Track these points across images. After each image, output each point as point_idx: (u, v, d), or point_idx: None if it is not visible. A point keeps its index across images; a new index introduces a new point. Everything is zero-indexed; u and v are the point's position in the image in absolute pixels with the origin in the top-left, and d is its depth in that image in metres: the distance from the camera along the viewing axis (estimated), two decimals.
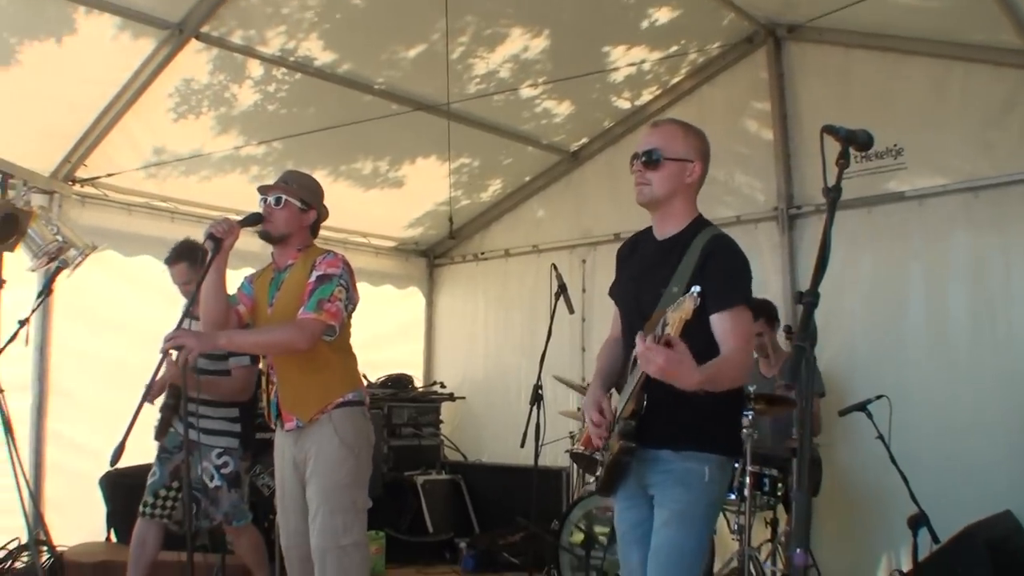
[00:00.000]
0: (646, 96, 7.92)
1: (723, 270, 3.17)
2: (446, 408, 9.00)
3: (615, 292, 3.61)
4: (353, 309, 4.37)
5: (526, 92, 7.35)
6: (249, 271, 4.69)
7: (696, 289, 2.64)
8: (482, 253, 9.34)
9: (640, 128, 8.08)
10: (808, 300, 2.46)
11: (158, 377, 5.34)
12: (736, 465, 5.08)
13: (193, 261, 5.52)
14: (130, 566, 5.53)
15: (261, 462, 6.67)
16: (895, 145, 6.49)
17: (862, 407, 5.66)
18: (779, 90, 7.25)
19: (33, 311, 5.71)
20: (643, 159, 3.30)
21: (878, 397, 5.69)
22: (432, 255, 9.72)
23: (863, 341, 6.51)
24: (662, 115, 7.93)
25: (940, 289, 6.47)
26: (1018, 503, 5.67)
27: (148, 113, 6.46)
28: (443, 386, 9.15)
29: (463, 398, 9.15)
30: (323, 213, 4.49)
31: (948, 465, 6.05)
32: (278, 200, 4.30)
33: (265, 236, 4.35)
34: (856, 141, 2.63)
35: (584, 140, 8.45)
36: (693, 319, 2.71)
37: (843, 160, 2.61)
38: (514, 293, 9.05)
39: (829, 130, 2.61)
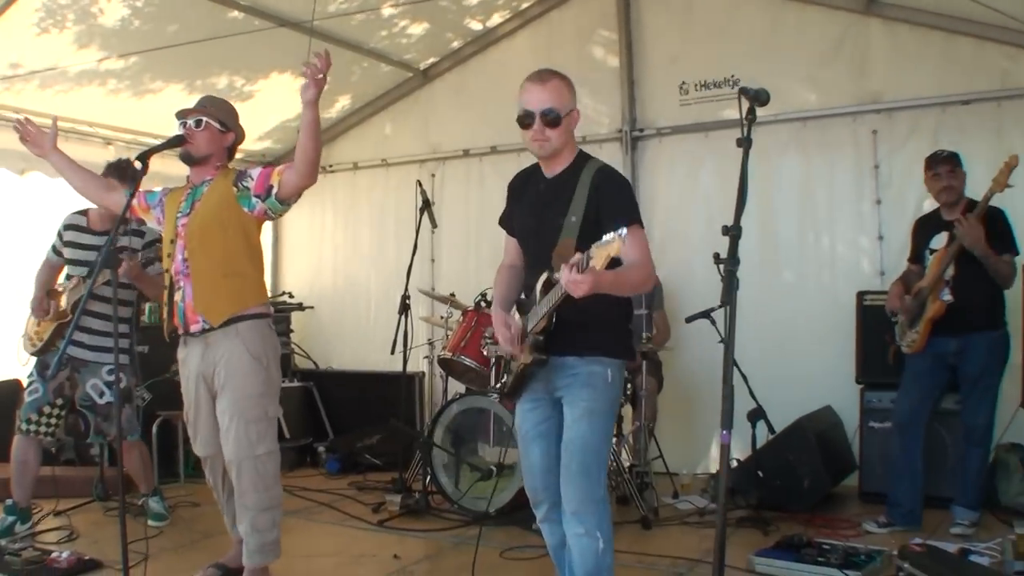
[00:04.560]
0: (496, 19, 8.20)
1: (615, 194, 3.59)
2: (295, 317, 9.18)
3: (512, 223, 3.96)
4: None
5: (386, 11, 7.52)
6: None
7: (623, 231, 2.98)
8: (329, 166, 9.40)
9: (489, 49, 8.43)
10: (733, 232, 2.99)
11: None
12: None
13: (122, 177, 5.52)
14: (14, 484, 5.63)
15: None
16: (732, 75, 7.06)
17: (707, 314, 6.22)
18: (625, 20, 7.69)
19: None
20: (545, 119, 3.59)
21: (720, 306, 6.28)
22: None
23: (702, 256, 6.86)
24: (511, 38, 8.31)
25: (771, 209, 7.15)
26: (836, 399, 6.54)
27: (10, 24, 6.26)
28: (291, 296, 9.33)
29: (312, 307, 9.34)
30: (240, 135, 4.66)
31: (778, 367, 6.80)
32: (198, 122, 4.45)
33: (186, 158, 4.50)
34: (760, 100, 3.10)
35: (433, 59, 8.66)
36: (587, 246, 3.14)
37: (751, 115, 3.10)
38: (363, 205, 9.26)
39: (743, 91, 3.08)
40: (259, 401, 4.45)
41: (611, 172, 3.68)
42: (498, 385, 3.94)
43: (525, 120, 3.63)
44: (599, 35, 7.90)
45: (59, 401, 5.63)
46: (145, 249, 5.53)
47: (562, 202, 3.60)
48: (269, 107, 8.36)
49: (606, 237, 3.00)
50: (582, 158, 3.74)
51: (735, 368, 6.01)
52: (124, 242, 5.52)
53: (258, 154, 9.39)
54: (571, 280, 3.10)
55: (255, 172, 4.44)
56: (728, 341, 2.99)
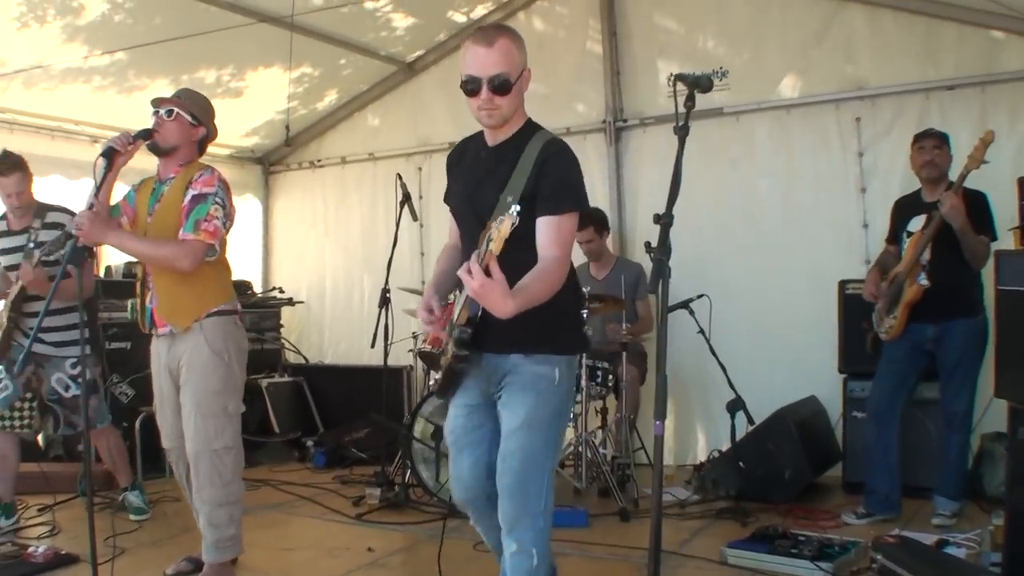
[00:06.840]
0: (480, 10, 8.16)
1: (557, 175, 3.16)
2: (286, 312, 9.19)
3: (450, 200, 3.56)
4: (231, 224, 4.54)
5: (369, 5, 7.48)
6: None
7: (516, 208, 2.72)
8: (318, 160, 9.43)
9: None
10: (664, 221, 2.95)
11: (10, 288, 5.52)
12: None
13: (26, 171, 5.59)
14: None
15: (117, 372, 6.83)
16: (721, 67, 6.99)
17: (685, 305, 6.22)
18: (610, 10, 7.65)
19: None
20: (495, 87, 3.13)
21: (699, 296, 6.29)
22: (267, 162, 9.72)
23: (686, 245, 6.90)
24: None
25: (755, 198, 7.14)
26: (820, 389, 6.49)
27: None
28: (282, 291, 9.30)
29: (302, 302, 9.35)
30: (212, 132, 4.65)
31: (761, 356, 6.81)
32: (169, 112, 4.44)
33: (153, 148, 4.47)
34: (700, 86, 3.04)
35: (420, 52, 8.62)
36: (522, 227, 2.81)
37: (690, 103, 3.04)
38: (352, 200, 9.23)
39: (680, 77, 3.03)
40: (217, 397, 4.48)
41: (560, 148, 3.24)
42: (430, 383, 3.76)
43: (470, 87, 3.15)
44: (584, 25, 7.84)
45: (29, 395, 5.66)
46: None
47: (500, 177, 3.22)
48: (257, 102, 8.36)
49: (500, 218, 2.73)
50: (530, 127, 3.31)
51: (714, 357, 6.13)
52: (44, 236, 5.47)
53: (247, 150, 9.40)
54: (462, 275, 2.79)
55: (196, 186, 4.41)
56: (661, 330, 2.94)
